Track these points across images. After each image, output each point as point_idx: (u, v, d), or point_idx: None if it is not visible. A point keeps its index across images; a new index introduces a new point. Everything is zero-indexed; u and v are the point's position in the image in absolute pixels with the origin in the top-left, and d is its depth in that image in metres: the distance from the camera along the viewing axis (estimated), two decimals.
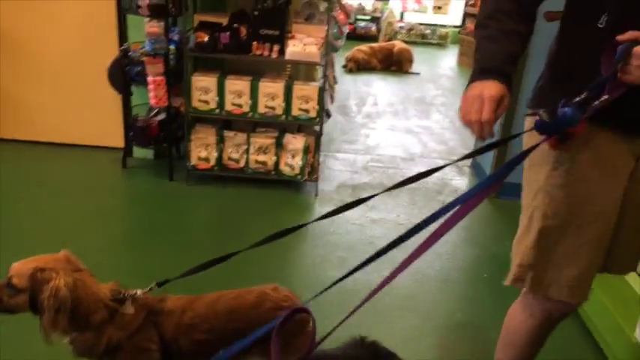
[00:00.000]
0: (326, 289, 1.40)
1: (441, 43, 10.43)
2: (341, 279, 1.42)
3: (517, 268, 1.60)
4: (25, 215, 3.25)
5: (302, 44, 3.42)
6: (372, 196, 1.39)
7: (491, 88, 1.35)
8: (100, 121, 4.10)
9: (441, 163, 4.50)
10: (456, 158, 1.63)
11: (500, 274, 2.90)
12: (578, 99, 1.27)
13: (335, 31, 3.71)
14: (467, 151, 4.66)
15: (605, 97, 1.27)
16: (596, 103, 1.27)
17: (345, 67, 7.74)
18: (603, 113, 1.32)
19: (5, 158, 4.01)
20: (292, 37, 3.52)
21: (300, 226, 1.47)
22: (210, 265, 1.47)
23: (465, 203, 1.28)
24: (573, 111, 1.26)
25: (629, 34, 1.25)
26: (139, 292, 1.57)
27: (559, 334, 1.86)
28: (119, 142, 4.05)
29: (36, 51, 3.97)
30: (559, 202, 1.48)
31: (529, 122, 1.51)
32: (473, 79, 1.40)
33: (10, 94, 4.09)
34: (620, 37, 1.26)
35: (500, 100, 1.35)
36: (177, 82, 3.60)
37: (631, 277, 2.34)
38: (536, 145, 1.34)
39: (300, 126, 3.79)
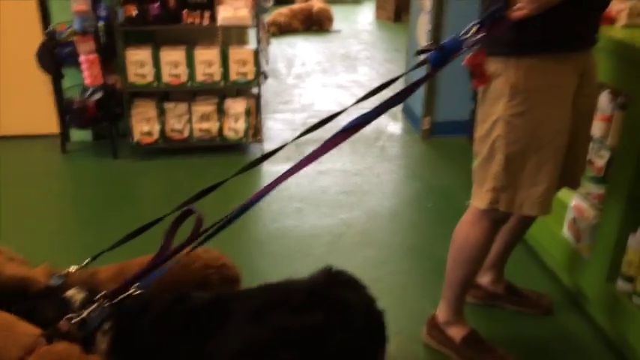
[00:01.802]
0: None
1: None
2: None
3: (491, 193, 1.79)
4: None
5: (232, 9, 3.49)
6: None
7: None
8: (32, 108, 4.01)
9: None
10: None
11: (441, 203, 3.23)
12: (463, 32, 1.48)
13: None
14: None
15: (483, 33, 1.49)
16: (477, 37, 1.48)
17: (267, 31, 7.77)
18: (544, 41, 1.57)
19: None
20: (221, 3, 3.57)
21: (222, 182, 1.47)
22: (141, 231, 1.45)
23: (355, 128, 1.42)
24: (452, 42, 1.48)
25: None
26: (73, 268, 1.54)
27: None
28: (54, 128, 3.98)
29: None
30: (519, 128, 1.69)
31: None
32: None
33: None
34: None
35: None
36: (109, 58, 3.59)
37: None
38: (429, 77, 1.53)
39: (238, 90, 3.88)
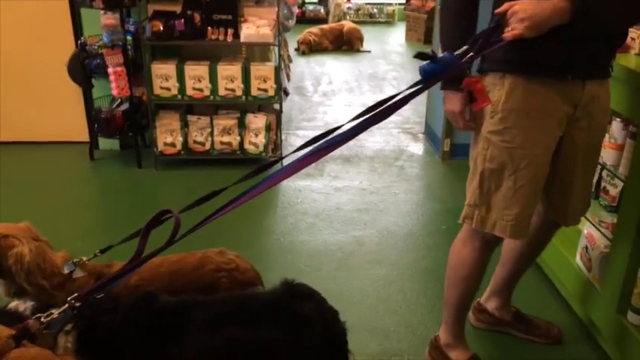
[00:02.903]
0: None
1: (388, 20, 10.66)
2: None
3: (466, 207, 1.82)
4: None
5: (255, 27, 3.58)
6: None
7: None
8: (63, 116, 4.16)
9: (395, 132, 4.74)
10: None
11: (456, 226, 3.18)
12: (458, 51, 1.50)
13: (285, 11, 3.87)
14: (420, 119, 4.90)
15: (472, 54, 1.51)
16: (470, 55, 1.51)
17: (297, 49, 7.88)
18: (529, 63, 1.56)
19: None
20: (245, 21, 3.66)
21: (220, 190, 1.45)
22: (148, 229, 1.41)
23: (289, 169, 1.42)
24: (449, 57, 1.49)
25: (505, 6, 1.50)
26: (84, 258, 1.67)
27: None
28: (84, 135, 4.13)
29: None
30: (495, 146, 1.69)
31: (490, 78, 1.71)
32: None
33: None
34: (497, 11, 1.52)
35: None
36: (136, 71, 3.71)
37: None
38: (423, 90, 1.50)
39: (260, 105, 3.95)
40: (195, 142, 3.81)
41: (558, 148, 1.73)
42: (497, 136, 1.68)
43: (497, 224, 1.74)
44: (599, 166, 2.23)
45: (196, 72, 3.62)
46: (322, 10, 10.34)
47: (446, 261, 2.81)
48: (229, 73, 3.62)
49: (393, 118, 5.58)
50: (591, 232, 2.24)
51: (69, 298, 1.22)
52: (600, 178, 2.24)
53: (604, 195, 2.23)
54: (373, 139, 4.51)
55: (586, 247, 2.26)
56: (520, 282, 2.27)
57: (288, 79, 4.47)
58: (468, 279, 1.94)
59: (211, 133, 3.80)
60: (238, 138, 3.81)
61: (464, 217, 1.83)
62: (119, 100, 3.90)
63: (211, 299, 1.41)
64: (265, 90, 3.69)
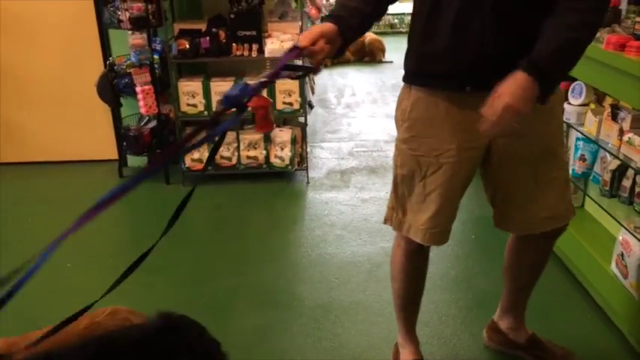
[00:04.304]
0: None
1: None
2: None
3: (387, 210, 1.88)
4: (31, 232, 3.39)
5: (279, 41, 3.62)
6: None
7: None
8: (92, 135, 4.25)
9: None
10: None
11: (485, 234, 3.16)
12: (254, 81, 1.54)
13: (308, 26, 3.91)
14: None
15: (264, 79, 1.56)
16: (258, 83, 1.55)
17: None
18: (431, 77, 1.60)
19: (4, 181, 4.15)
20: (269, 36, 3.71)
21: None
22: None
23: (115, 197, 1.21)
24: (240, 89, 1.48)
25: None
26: None
27: (543, 276, 2.07)
28: (113, 153, 4.21)
29: (23, 75, 4.10)
30: (404, 154, 1.74)
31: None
32: None
33: (2, 118, 4.22)
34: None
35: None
36: (163, 89, 3.78)
37: (602, 217, 2.58)
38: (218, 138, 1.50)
39: (285, 119, 3.98)
40: (222, 157, 3.86)
41: (489, 159, 1.73)
42: (405, 144, 1.73)
43: (411, 228, 1.79)
44: (632, 171, 2.19)
45: (222, 88, 3.66)
46: None
47: (477, 271, 2.81)
48: None
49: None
50: (626, 238, 2.20)
51: None
52: (634, 183, 2.20)
53: (638, 200, 2.19)
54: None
55: (621, 254, 2.22)
56: (554, 290, 2.24)
57: (313, 92, 4.50)
58: (397, 279, 2.00)
59: (237, 148, 3.84)
60: (264, 152, 3.84)
61: (384, 218, 1.89)
62: (147, 118, 3.97)
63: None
64: (290, 104, 3.72)
